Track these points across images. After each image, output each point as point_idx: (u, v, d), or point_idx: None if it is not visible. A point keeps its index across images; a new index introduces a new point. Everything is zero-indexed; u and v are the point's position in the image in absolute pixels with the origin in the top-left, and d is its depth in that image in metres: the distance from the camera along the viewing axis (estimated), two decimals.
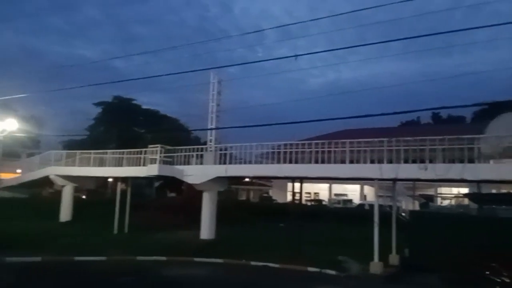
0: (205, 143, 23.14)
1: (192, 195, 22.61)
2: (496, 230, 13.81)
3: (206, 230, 19.43)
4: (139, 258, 15.07)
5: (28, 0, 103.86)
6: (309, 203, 40.12)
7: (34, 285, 11.09)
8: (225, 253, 15.73)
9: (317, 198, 46.43)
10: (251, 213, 28.59)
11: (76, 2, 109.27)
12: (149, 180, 37.17)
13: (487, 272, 12.80)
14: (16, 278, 11.55)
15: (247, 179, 39.46)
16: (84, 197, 33.07)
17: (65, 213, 23.82)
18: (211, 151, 20.44)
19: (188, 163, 19.86)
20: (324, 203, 43.35)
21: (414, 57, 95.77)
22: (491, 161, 13.52)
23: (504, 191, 24.10)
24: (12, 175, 29.25)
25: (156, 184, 42.76)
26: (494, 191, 25.67)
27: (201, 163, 19.90)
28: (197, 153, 20.07)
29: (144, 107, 49.66)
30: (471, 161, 13.36)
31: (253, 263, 15.01)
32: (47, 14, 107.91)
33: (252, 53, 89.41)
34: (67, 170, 23.93)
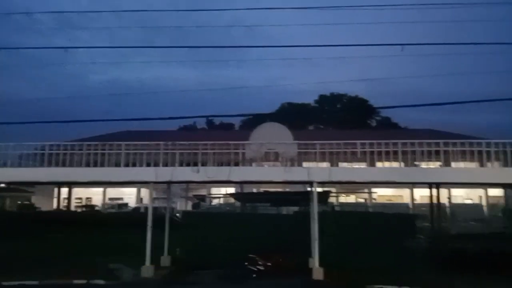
0: None
1: None
2: (256, 224, 15.75)
3: None
4: None
5: None
6: (79, 210, 37.02)
7: None
8: None
9: (89, 203, 43.40)
10: (5, 224, 24.26)
11: None
12: None
13: (246, 263, 14.42)
14: None
15: (1, 185, 33.46)
16: None
17: None
18: None
19: None
20: (97, 208, 40.78)
21: (196, 66, 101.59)
22: (254, 164, 15.32)
23: (262, 190, 27.88)
24: None
25: None
26: (255, 190, 29.35)
27: None
28: None
29: None
30: (237, 164, 14.89)
31: (5, 283, 12.63)
32: None
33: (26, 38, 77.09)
34: None
